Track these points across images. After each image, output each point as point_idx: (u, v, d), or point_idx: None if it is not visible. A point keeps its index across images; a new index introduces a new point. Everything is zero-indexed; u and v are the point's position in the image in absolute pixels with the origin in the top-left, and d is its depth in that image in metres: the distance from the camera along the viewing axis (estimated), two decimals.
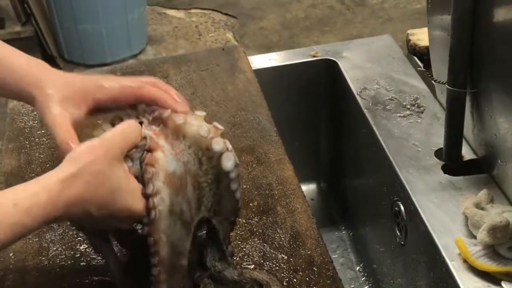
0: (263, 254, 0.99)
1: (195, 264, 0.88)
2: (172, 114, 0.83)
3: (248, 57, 1.51)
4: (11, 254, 1.00)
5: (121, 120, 0.83)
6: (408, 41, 1.50)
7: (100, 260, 0.98)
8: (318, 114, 1.65)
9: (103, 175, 0.72)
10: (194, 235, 0.84)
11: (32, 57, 0.88)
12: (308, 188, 1.74)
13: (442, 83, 1.17)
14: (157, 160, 0.78)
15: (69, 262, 0.98)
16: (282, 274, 0.96)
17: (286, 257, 0.98)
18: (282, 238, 1.02)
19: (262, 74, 1.47)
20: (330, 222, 1.66)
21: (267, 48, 3.48)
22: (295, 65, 1.57)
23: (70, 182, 0.69)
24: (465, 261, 0.99)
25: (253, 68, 1.46)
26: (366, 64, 1.50)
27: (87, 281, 0.95)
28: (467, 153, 1.20)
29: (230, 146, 0.83)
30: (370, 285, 1.47)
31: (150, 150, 0.79)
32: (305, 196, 1.10)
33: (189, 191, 0.81)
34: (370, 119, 1.33)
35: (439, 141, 1.21)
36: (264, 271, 0.95)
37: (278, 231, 1.03)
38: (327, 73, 1.55)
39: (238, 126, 1.27)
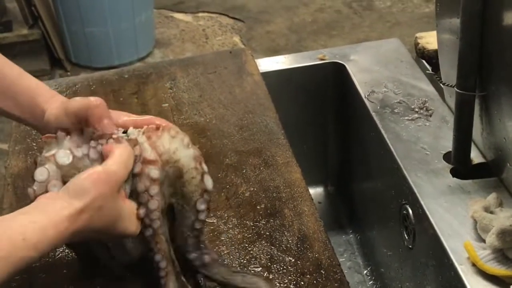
0: (271, 257, 0.99)
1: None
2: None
3: (256, 60, 1.51)
4: None
5: None
6: (417, 44, 1.50)
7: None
8: (326, 117, 1.65)
9: (107, 208, 0.76)
10: None
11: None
12: (316, 191, 1.74)
13: (451, 86, 1.16)
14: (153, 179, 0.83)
15: (76, 264, 0.98)
16: (289, 277, 0.95)
17: (293, 260, 0.98)
18: (290, 241, 1.01)
19: (269, 77, 1.47)
20: (337, 226, 1.66)
21: (274, 52, 3.48)
22: (303, 68, 1.56)
23: (76, 218, 0.73)
24: (474, 265, 0.98)
25: (261, 71, 1.46)
26: (374, 67, 1.50)
27: (94, 282, 0.95)
28: (476, 157, 1.19)
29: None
30: None
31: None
32: (312, 199, 1.10)
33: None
34: (378, 122, 1.32)
35: (448, 145, 1.20)
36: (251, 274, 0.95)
37: (286, 234, 1.03)
38: (335, 76, 1.55)
39: (245, 129, 1.27)
